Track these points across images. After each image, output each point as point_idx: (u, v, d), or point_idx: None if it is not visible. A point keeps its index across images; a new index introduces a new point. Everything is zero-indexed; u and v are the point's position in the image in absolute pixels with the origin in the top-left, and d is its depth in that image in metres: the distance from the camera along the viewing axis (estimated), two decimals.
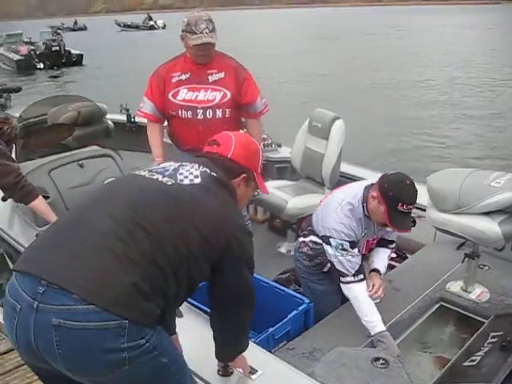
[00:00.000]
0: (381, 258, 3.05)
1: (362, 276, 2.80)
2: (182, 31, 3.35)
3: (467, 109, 13.46)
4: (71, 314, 1.49)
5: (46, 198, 3.47)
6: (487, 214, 2.84)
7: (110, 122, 4.81)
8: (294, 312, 2.87)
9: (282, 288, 3.12)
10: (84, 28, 58.82)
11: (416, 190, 2.67)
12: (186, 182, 1.80)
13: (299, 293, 3.18)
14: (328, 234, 2.78)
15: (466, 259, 3.12)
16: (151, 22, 57.03)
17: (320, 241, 2.93)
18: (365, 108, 13.17)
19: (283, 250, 4.22)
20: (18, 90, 5.96)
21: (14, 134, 3.52)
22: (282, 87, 17.05)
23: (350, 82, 17.37)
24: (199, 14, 3.34)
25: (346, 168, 4.35)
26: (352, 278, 2.78)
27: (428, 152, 9.97)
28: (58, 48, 26.18)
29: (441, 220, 2.96)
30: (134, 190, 1.76)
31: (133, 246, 1.59)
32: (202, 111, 3.39)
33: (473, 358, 2.61)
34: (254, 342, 2.59)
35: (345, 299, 3.14)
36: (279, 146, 4.85)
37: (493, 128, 11.52)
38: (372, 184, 2.83)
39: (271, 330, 2.76)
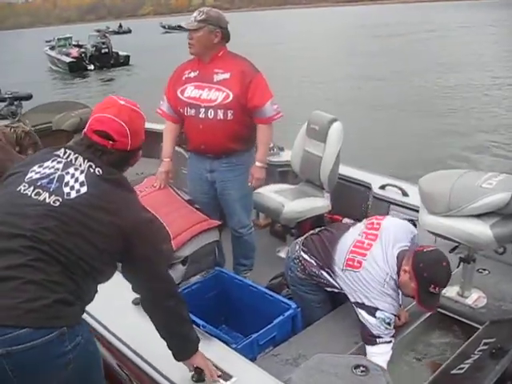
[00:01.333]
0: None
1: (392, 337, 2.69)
2: None
3: None
4: (14, 340, 1.58)
5: None
6: (479, 216, 2.74)
7: None
8: (280, 317, 2.81)
9: (270, 293, 3.06)
10: (129, 31, 59.71)
11: (450, 273, 2.60)
12: (73, 194, 1.79)
13: (291, 297, 3.12)
14: (375, 306, 2.63)
15: (462, 263, 3.04)
16: None
17: (329, 278, 2.86)
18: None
19: (282, 254, 4.15)
20: (29, 97, 6.02)
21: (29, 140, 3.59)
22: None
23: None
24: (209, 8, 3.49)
25: (346, 171, 4.30)
26: (388, 339, 2.65)
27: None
28: (107, 50, 28.15)
29: (432, 223, 2.87)
30: (23, 220, 1.75)
31: (46, 271, 1.69)
32: (204, 110, 3.39)
33: (462, 365, 2.52)
34: (236, 348, 2.56)
35: (335, 306, 3.10)
36: (282, 149, 4.80)
37: None
38: (404, 251, 2.71)
39: (255, 335, 2.70)
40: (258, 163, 3.54)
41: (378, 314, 2.62)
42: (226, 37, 3.45)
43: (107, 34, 32.16)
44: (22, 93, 5.99)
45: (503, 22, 36.15)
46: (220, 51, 3.44)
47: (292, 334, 2.88)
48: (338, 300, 3.07)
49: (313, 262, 2.93)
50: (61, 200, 1.76)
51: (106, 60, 28.08)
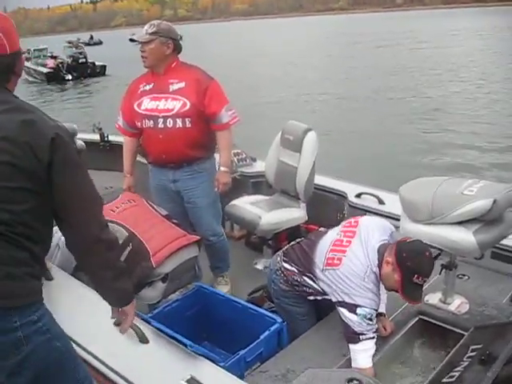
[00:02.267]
0: (382, 300, 2.88)
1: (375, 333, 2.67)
2: None
3: None
4: None
5: None
6: (461, 223, 2.75)
7: (80, 142, 4.72)
8: (267, 333, 2.76)
9: (254, 308, 3.01)
10: (99, 42, 59.55)
11: (433, 263, 2.60)
12: None
13: (273, 311, 3.07)
14: (356, 303, 2.60)
15: (444, 270, 3.04)
16: None
17: (311, 283, 2.83)
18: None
19: (260, 266, 4.11)
20: None
21: None
22: None
23: None
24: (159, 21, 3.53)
25: (321, 180, 4.28)
26: (371, 335, 2.62)
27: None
28: (84, 60, 29.20)
29: (415, 231, 2.86)
30: None
31: None
32: (162, 120, 3.41)
33: (452, 373, 2.52)
34: (224, 366, 2.49)
35: (320, 318, 3.06)
36: (254, 160, 4.77)
37: None
38: (385, 244, 2.69)
39: (242, 352, 2.64)
40: (222, 168, 3.59)
41: (358, 310, 2.58)
42: (177, 48, 3.51)
43: (81, 45, 33.07)
44: None
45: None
46: (173, 62, 3.50)
47: (278, 348, 2.82)
48: (322, 311, 3.05)
49: (294, 269, 2.90)
50: None
51: (83, 70, 29.06)
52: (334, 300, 2.72)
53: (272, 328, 2.79)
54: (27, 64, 30.33)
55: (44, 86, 27.70)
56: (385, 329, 2.86)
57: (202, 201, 3.60)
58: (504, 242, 3.26)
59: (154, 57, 3.42)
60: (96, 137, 5.71)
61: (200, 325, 3.14)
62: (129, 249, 3.08)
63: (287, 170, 3.98)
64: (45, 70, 29.01)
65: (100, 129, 5.60)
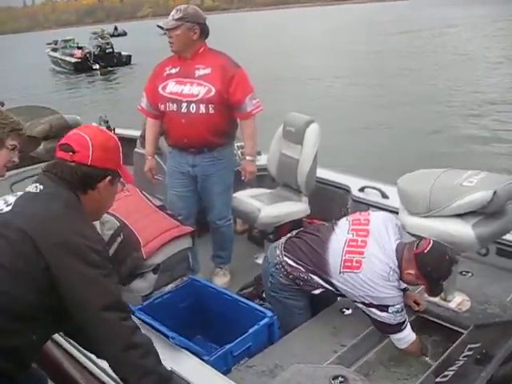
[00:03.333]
0: None
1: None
2: None
3: None
4: None
5: None
6: (460, 216, 2.65)
7: None
8: (255, 327, 2.68)
9: (245, 301, 2.94)
10: (124, 34, 60.24)
11: (453, 260, 2.61)
12: None
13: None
14: (386, 304, 2.59)
15: None
16: None
17: (320, 281, 2.76)
18: None
19: (260, 260, 3.99)
20: (1, 105, 5.86)
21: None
22: None
23: None
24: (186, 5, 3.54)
25: (324, 174, 4.19)
26: (407, 322, 2.66)
27: None
28: (111, 50, 30.04)
29: (412, 224, 2.77)
30: None
31: None
32: (186, 105, 3.43)
33: (446, 372, 2.40)
34: (208, 360, 2.42)
35: (315, 313, 2.97)
36: (259, 153, 4.67)
37: None
38: (401, 244, 2.66)
39: (228, 346, 2.57)
40: (248, 157, 3.69)
41: (390, 309, 2.59)
42: (204, 32, 3.51)
43: (107, 36, 33.65)
44: None
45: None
46: (200, 47, 3.51)
47: (268, 343, 2.74)
48: (317, 307, 2.96)
49: (300, 267, 2.80)
50: None
51: (110, 59, 29.63)
52: (358, 301, 2.67)
53: (261, 322, 2.71)
54: (55, 54, 32.18)
55: (71, 76, 28.75)
56: (417, 304, 2.89)
57: (218, 187, 3.65)
58: (510, 238, 3.17)
59: (181, 42, 3.44)
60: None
61: (193, 318, 3.08)
62: (119, 239, 3.02)
63: (289, 162, 3.91)
64: (73, 60, 29.90)
65: (107, 121, 5.55)
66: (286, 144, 3.95)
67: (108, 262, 1.71)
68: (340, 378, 2.16)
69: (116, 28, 61.54)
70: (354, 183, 4.07)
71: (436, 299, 2.96)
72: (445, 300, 2.94)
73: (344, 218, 2.89)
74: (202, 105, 3.40)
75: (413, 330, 2.86)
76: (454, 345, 2.60)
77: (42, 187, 1.72)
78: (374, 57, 22.86)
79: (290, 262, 2.82)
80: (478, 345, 2.52)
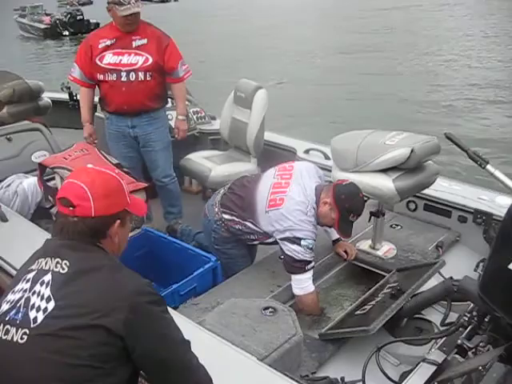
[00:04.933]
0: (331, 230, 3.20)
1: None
2: (109, 3, 3.65)
3: None
4: None
5: None
6: (384, 171, 2.95)
7: (47, 99, 4.86)
8: (200, 269, 2.99)
9: (193, 248, 3.25)
10: (90, 2, 59.03)
11: (365, 202, 2.91)
12: (40, 317, 1.50)
13: None
14: (299, 236, 2.84)
15: (372, 218, 3.25)
16: None
17: (253, 227, 3.03)
18: None
19: None
20: None
21: None
22: None
23: None
24: None
25: (273, 137, 4.48)
26: (313, 264, 2.90)
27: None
28: (81, 17, 29.62)
29: (341, 178, 3.06)
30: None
31: None
32: (125, 74, 3.68)
33: (365, 306, 2.75)
34: None
35: (253, 259, 3.30)
36: (213, 118, 4.93)
37: None
38: (321, 185, 2.98)
39: (175, 286, 2.87)
40: (180, 116, 3.99)
41: (302, 242, 2.84)
42: None
43: (76, 3, 34.96)
44: None
45: None
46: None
47: (213, 285, 3.05)
48: (253, 254, 3.36)
49: (234, 218, 3.09)
50: (28, 332, 1.49)
51: (79, 26, 29.17)
52: (277, 237, 2.94)
53: (206, 266, 3.02)
54: (23, 20, 31.90)
55: (40, 41, 28.51)
56: (346, 253, 3.20)
57: (157, 144, 3.92)
58: (436, 194, 3.52)
59: (138, 20, 3.70)
60: (65, 96, 5.84)
61: (147, 266, 3.29)
62: None
63: (239, 126, 4.18)
64: (42, 26, 29.86)
65: (69, 88, 5.71)
66: (237, 109, 4.22)
67: (161, 298, 1.65)
68: (270, 309, 2.47)
69: None
70: (300, 146, 4.35)
71: (365, 247, 3.31)
72: (373, 248, 3.29)
73: (271, 168, 3.21)
74: (141, 73, 3.68)
75: (343, 275, 3.22)
76: (377, 285, 2.94)
77: (67, 263, 1.56)
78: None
79: (227, 216, 3.11)
80: (395, 284, 2.86)
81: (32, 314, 1.51)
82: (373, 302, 2.75)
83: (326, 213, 2.90)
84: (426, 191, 3.40)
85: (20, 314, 1.52)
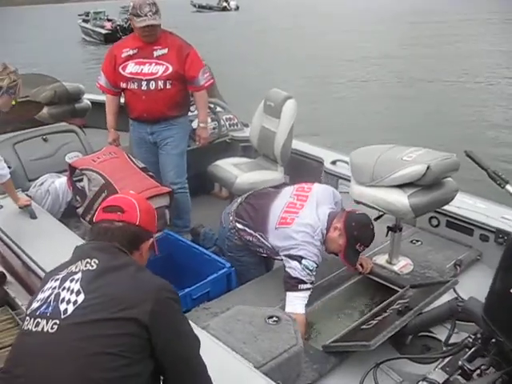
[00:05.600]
0: None
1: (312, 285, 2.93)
2: (129, 14, 3.75)
3: None
4: None
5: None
6: (400, 186, 2.94)
7: (86, 102, 5.05)
8: (214, 275, 3.05)
9: (208, 253, 3.32)
10: None
11: (374, 235, 2.95)
12: (70, 309, 1.58)
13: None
14: (301, 254, 2.88)
15: (390, 232, 3.24)
16: (224, 4, 59.89)
17: (262, 240, 3.07)
18: None
19: None
20: None
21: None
22: None
23: None
24: None
25: (302, 146, 4.53)
26: (308, 286, 2.89)
27: None
28: None
29: (358, 192, 3.08)
30: (27, 370, 1.58)
31: None
32: (145, 82, 3.78)
33: (372, 321, 2.76)
34: None
35: (268, 270, 3.34)
36: (246, 125, 5.00)
37: None
38: (334, 211, 3.02)
39: (187, 290, 2.95)
40: (201, 124, 4.04)
41: (303, 261, 2.88)
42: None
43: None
44: None
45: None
46: (160, 31, 3.83)
47: (226, 291, 3.11)
48: (270, 264, 3.38)
49: (246, 228, 3.16)
50: (58, 322, 1.57)
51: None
52: (282, 254, 2.99)
53: (220, 271, 3.08)
54: (86, 25, 34.01)
55: (101, 45, 29.67)
56: (362, 266, 3.19)
57: (171, 149, 3.97)
58: (459, 211, 3.49)
59: (157, 31, 3.78)
60: (104, 98, 5.97)
61: (166, 269, 3.39)
62: (104, 195, 3.37)
63: (267, 134, 4.22)
64: (103, 31, 31.70)
65: None
66: (266, 117, 4.27)
67: (179, 298, 1.74)
68: (274, 318, 2.51)
69: None
70: (327, 156, 4.38)
71: (382, 262, 3.30)
72: (390, 263, 3.28)
73: (291, 186, 3.28)
74: (161, 81, 3.76)
75: (358, 289, 3.23)
76: (388, 300, 2.95)
77: (96, 261, 1.68)
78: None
79: (240, 226, 3.18)
80: (405, 300, 2.86)
81: (62, 306, 1.60)
82: (379, 318, 2.76)
83: (334, 238, 2.94)
84: (448, 208, 3.38)
85: (50, 308, 1.61)
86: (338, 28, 29.80)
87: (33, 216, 3.39)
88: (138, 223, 1.82)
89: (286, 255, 2.95)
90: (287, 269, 2.92)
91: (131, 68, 3.81)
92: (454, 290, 3.00)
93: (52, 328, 1.57)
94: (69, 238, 3.11)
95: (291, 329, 2.45)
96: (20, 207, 3.41)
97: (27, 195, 3.70)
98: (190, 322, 2.31)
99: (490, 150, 9.11)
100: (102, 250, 1.72)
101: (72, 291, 1.62)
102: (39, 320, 1.61)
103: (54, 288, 1.66)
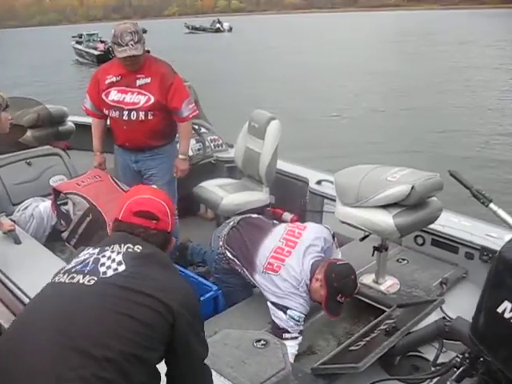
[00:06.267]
0: None
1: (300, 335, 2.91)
2: (111, 42, 3.62)
3: None
4: None
5: None
6: (385, 207, 2.96)
7: (70, 124, 5.04)
8: (201, 298, 3.03)
9: (195, 276, 3.32)
10: (144, 31, 61.12)
11: (357, 285, 2.93)
12: (110, 273, 1.63)
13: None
14: (287, 305, 2.88)
15: (376, 252, 3.25)
16: (217, 25, 61.09)
17: (248, 275, 3.08)
18: None
19: None
20: None
21: None
22: None
23: None
24: (125, 25, 3.57)
25: (286, 167, 4.54)
26: (295, 335, 2.87)
27: None
28: None
29: (343, 213, 3.09)
30: (57, 310, 1.60)
31: (69, 376, 1.47)
32: (127, 112, 3.68)
33: (360, 342, 2.76)
34: None
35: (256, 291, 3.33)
36: (231, 146, 5.00)
37: None
38: (318, 261, 2.98)
39: None
40: (180, 156, 3.91)
41: (288, 311, 2.87)
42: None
43: None
44: None
45: None
46: (144, 59, 3.69)
47: (214, 313, 3.10)
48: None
49: (236, 260, 3.15)
50: (96, 279, 1.61)
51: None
52: (267, 298, 2.98)
53: (207, 295, 3.07)
54: (79, 47, 34.88)
55: (93, 67, 29.71)
56: None
57: (158, 180, 3.87)
58: (443, 230, 3.51)
59: (140, 61, 3.64)
60: (89, 120, 5.98)
61: None
62: (88, 219, 3.38)
63: (252, 155, 4.23)
64: (96, 53, 32.42)
65: None
66: (251, 138, 4.27)
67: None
68: (262, 342, 2.49)
69: (136, 25, 63.02)
70: (312, 176, 4.40)
71: (368, 282, 3.31)
72: (376, 283, 3.29)
73: (283, 224, 3.28)
74: (142, 112, 3.66)
75: (345, 310, 3.22)
76: (376, 320, 2.95)
77: (140, 247, 1.71)
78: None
79: (229, 254, 3.17)
80: (392, 321, 2.86)
81: (102, 269, 1.64)
82: (367, 338, 2.76)
83: (316, 289, 2.91)
84: (433, 226, 3.40)
85: (88, 267, 1.65)
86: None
87: (17, 241, 3.35)
88: (169, 230, 1.84)
89: (271, 302, 2.95)
90: (273, 318, 2.93)
91: (113, 96, 3.70)
92: (441, 309, 3.02)
93: (89, 282, 1.60)
94: (54, 263, 3.07)
95: (279, 352, 2.42)
96: (4, 232, 3.37)
97: (11, 220, 3.66)
98: None
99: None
100: (142, 242, 1.74)
101: (113, 260, 1.66)
102: (74, 275, 1.64)
103: (93, 254, 1.70)
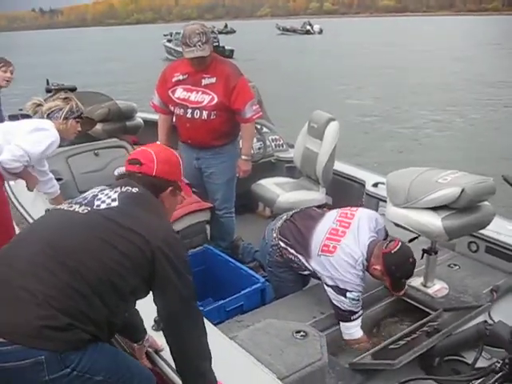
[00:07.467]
0: None
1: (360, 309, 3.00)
2: (180, 42, 3.78)
3: None
4: (5, 355, 1.58)
5: (59, 180, 3.92)
6: (434, 209, 2.96)
7: (139, 120, 5.25)
8: (248, 289, 3.14)
9: (245, 268, 3.40)
10: (233, 31, 62.61)
11: (415, 262, 2.98)
12: (103, 206, 1.85)
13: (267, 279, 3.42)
14: (346, 288, 2.92)
15: (425, 255, 3.25)
16: (308, 27, 61.59)
17: (304, 262, 3.13)
18: None
19: None
20: (73, 89, 6.43)
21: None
22: None
23: None
24: (194, 26, 3.67)
25: (341, 167, 4.60)
26: (360, 313, 2.96)
27: None
28: (217, 43, 31.84)
29: (393, 213, 3.10)
30: (50, 228, 1.85)
31: (50, 283, 1.66)
32: (191, 111, 3.80)
33: (400, 342, 2.77)
34: (202, 311, 2.85)
35: (305, 285, 3.39)
36: (291, 146, 5.07)
37: None
38: (374, 241, 3.03)
39: (221, 302, 3.04)
40: (243, 156, 4.00)
41: (348, 294, 2.91)
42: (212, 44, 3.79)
43: (215, 31, 36.00)
44: (68, 85, 6.40)
45: None
46: (211, 59, 3.80)
47: (261, 305, 3.19)
48: (306, 281, 3.40)
49: (289, 248, 3.21)
50: (89, 209, 1.84)
51: (215, 51, 32.31)
52: (325, 282, 3.03)
53: (254, 286, 3.16)
54: (169, 45, 35.97)
55: None
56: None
57: (219, 178, 3.99)
58: (498, 237, 3.46)
59: (207, 61, 3.75)
60: (157, 117, 6.20)
61: (206, 282, 3.54)
62: None
63: (310, 155, 4.29)
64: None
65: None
66: (310, 139, 4.33)
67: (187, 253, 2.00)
68: (302, 333, 2.56)
69: (226, 25, 63.82)
70: (369, 178, 4.42)
71: (417, 284, 3.30)
72: (424, 286, 3.28)
73: (335, 210, 3.30)
74: (205, 111, 3.75)
75: (390, 309, 3.24)
76: (418, 323, 2.95)
77: (137, 189, 1.94)
78: None
79: (283, 244, 3.23)
80: (436, 323, 2.86)
81: (97, 202, 1.88)
82: (408, 338, 2.77)
83: (378, 276, 3.02)
84: (488, 233, 3.37)
85: (86, 200, 1.90)
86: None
87: None
88: (154, 174, 2.02)
89: (330, 286, 2.99)
90: (334, 301, 2.97)
91: (179, 93, 3.83)
92: (489, 316, 2.99)
93: (83, 211, 1.85)
94: None
95: (318, 344, 2.49)
96: None
97: None
98: (221, 333, 2.44)
99: None
100: (139, 186, 1.96)
101: (109, 197, 1.90)
102: (73, 205, 1.91)
103: (94, 191, 1.97)
